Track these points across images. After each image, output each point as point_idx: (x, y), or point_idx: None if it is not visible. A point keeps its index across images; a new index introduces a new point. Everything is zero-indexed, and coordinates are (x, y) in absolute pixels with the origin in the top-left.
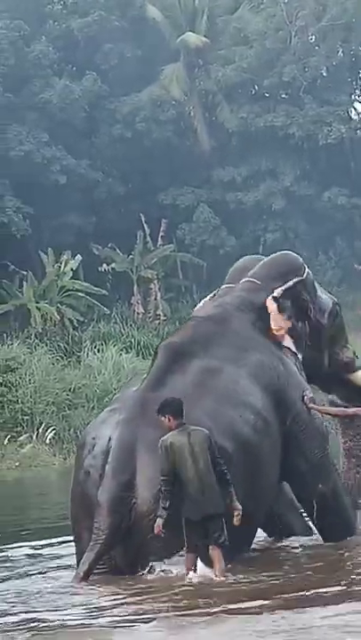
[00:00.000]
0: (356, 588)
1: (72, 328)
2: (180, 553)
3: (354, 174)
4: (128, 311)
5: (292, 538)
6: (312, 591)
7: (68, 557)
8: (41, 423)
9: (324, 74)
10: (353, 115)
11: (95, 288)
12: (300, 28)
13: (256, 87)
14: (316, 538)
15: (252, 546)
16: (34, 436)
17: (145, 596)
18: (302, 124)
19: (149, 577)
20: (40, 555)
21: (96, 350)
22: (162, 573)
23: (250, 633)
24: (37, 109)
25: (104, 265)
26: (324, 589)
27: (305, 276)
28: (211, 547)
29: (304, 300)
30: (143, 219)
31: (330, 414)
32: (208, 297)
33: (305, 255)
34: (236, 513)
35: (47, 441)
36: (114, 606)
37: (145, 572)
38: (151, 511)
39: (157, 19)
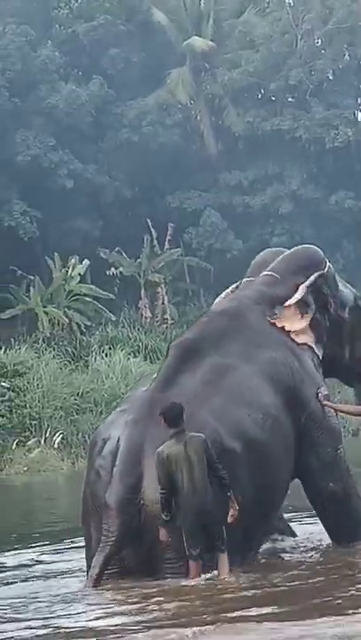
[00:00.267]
0: None
1: (80, 332)
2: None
3: None
4: (135, 315)
5: (293, 539)
6: (321, 599)
7: (77, 562)
8: (49, 427)
9: (331, 77)
10: (360, 118)
11: (102, 292)
12: (306, 32)
13: (262, 91)
14: (319, 540)
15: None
16: (42, 441)
17: (149, 603)
18: (309, 127)
19: (157, 582)
20: (48, 559)
21: (104, 354)
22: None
23: None
24: (44, 114)
25: (111, 269)
26: (333, 597)
27: (326, 269)
28: (215, 554)
29: (324, 294)
30: (150, 223)
31: (344, 412)
32: (230, 289)
33: None
34: (231, 512)
35: (55, 445)
36: (122, 612)
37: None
38: (160, 512)
39: (163, 23)
